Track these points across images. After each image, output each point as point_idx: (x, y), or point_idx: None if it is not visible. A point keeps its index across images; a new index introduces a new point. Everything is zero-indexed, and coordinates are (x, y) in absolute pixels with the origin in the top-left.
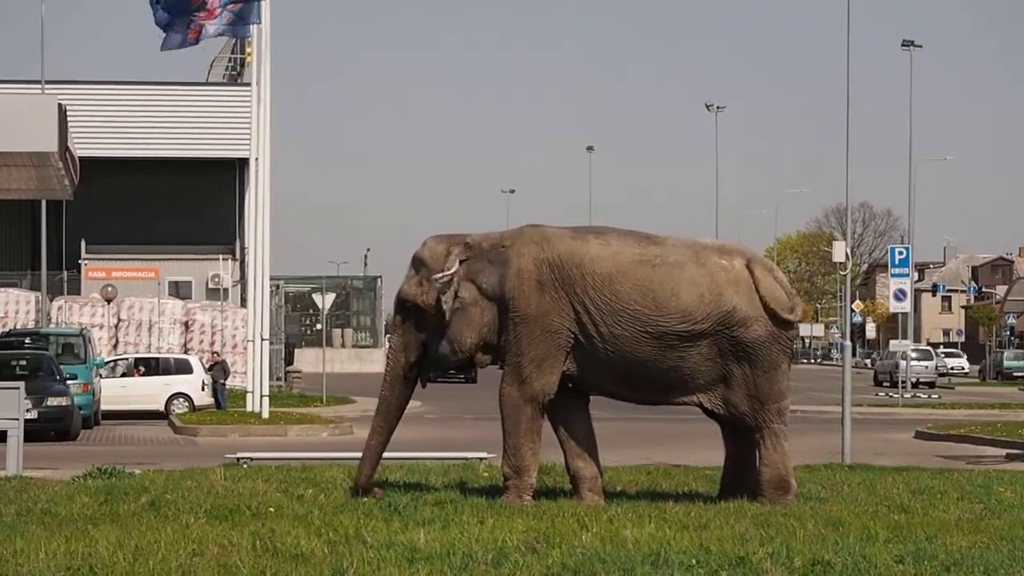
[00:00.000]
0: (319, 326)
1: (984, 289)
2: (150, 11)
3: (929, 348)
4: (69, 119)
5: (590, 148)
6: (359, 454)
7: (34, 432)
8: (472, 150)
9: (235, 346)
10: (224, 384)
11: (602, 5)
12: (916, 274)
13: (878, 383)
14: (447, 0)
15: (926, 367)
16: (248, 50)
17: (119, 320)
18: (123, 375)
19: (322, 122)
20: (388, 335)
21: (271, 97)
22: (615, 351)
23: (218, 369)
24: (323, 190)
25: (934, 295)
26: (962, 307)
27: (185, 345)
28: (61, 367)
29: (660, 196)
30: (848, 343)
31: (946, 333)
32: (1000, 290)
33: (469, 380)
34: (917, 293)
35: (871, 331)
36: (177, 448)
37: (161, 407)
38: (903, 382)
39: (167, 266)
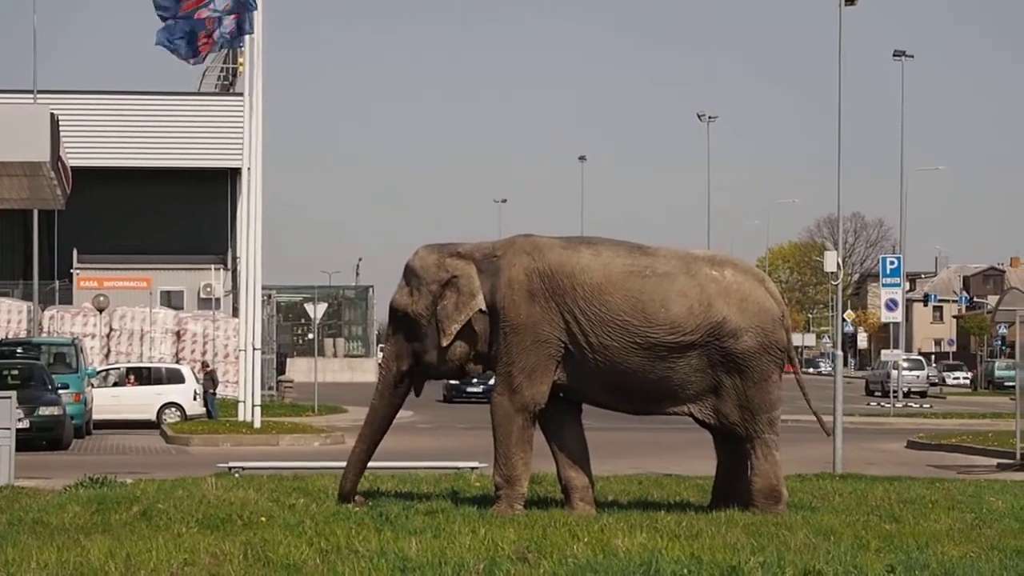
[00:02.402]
0: (311, 336)
1: (975, 299)
2: (142, 21)
3: (920, 358)
4: (61, 128)
5: (582, 158)
6: None
7: (26, 441)
8: (464, 160)
9: (227, 356)
10: (214, 394)
11: (595, 14)
12: (908, 284)
13: (870, 393)
14: (439, 11)
15: (917, 377)
16: (240, 60)
17: (111, 330)
18: (115, 384)
19: (314, 132)
20: (381, 345)
21: (263, 107)
22: (605, 361)
23: (207, 379)
24: (315, 200)
25: (925, 305)
26: (954, 317)
27: (177, 355)
28: (53, 377)
29: (652, 206)
30: (840, 353)
31: (937, 343)
32: (991, 300)
33: None
34: (909, 303)
35: (863, 341)
36: (169, 457)
37: (153, 416)
38: (894, 392)
39: (159, 276)
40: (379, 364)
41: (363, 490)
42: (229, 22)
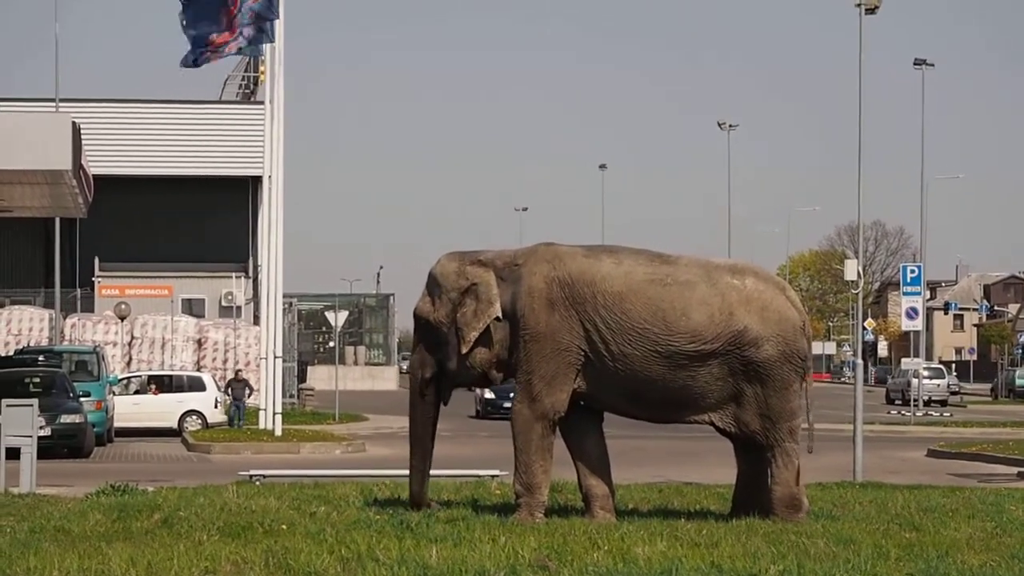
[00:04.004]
0: (332, 344)
1: (996, 307)
2: (163, 30)
3: (941, 367)
4: (83, 137)
5: (603, 166)
6: (372, 471)
7: (47, 449)
8: (486, 168)
9: (248, 364)
10: (244, 402)
11: (616, 23)
12: (928, 292)
13: (890, 401)
14: (461, 20)
15: (938, 385)
16: (261, 68)
17: (132, 338)
18: (136, 392)
19: (335, 140)
20: (403, 353)
21: (284, 115)
22: (625, 370)
23: (239, 386)
24: (336, 207)
25: (946, 313)
26: (974, 325)
27: (198, 363)
28: (74, 384)
29: (671, 213)
30: (860, 361)
31: (958, 351)
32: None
33: None
34: (929, 311)
35: (883, 349)
36: (190, 465)
37: (174, 424)
38: (915, 400)
39: (180, 284)
40: (408, 372)
41: (385, 498)
42: (248, 30)
